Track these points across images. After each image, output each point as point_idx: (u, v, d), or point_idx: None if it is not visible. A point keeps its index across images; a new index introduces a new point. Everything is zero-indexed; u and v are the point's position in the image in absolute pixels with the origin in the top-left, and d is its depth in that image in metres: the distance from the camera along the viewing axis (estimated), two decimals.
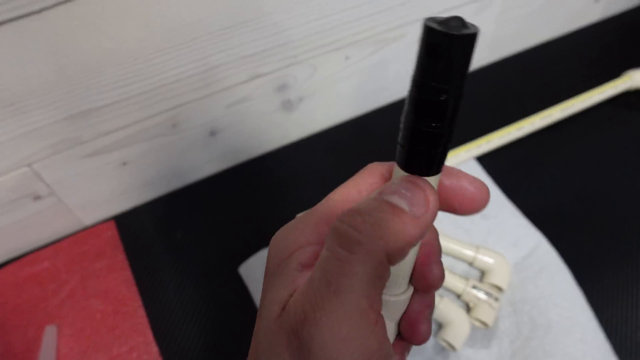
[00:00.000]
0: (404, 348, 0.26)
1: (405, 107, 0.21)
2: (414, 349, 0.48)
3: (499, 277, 0.51)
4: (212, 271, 0.56)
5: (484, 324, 0.48)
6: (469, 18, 0.64)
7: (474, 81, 0.72)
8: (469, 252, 0.52)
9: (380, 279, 0.20)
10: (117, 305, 0.53)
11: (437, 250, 0.25)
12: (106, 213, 0.60)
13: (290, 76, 0.57)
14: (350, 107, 0.67)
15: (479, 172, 0.60)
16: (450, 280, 0.51)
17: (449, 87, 0.19)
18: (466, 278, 0.51)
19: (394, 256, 0.20)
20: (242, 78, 0.54)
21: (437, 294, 0.50)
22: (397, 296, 0.24)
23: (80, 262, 0.56)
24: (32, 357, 0.50)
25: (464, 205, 0.24)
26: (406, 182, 0.21)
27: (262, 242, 0.56)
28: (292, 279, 0.22)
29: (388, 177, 0.24)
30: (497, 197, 0.58)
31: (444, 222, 0.53)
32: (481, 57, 0.72)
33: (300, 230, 0.23)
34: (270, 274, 0.23)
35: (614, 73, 0.69)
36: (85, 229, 0.59)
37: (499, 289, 0.50)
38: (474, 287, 0.50)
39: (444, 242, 0.52)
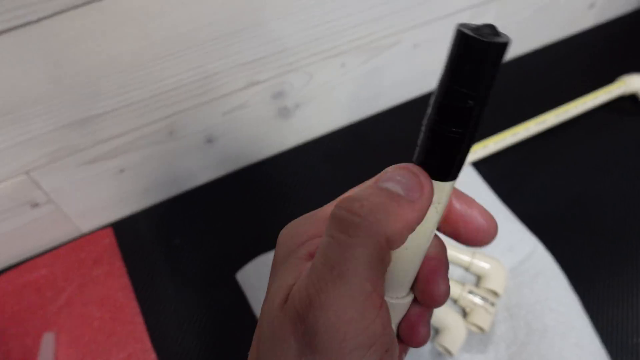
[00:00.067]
0: (401, 351, 0.26)
1: (429, 110, 0.21)
2: (411, 353, 0.49)
3: (495, 282, 0.51)
4: (209, 278, 0.56)
5: (481, 328, 0.48)
6: None
7: None
8: (465, 257, 0.52)
9: (381, 262, 0.20)
10: (115, 312, 0.53)
11: (445, 265, 0.25)
12: (104, 220, 0.61)
13: (287, 83, 0.57)
14: (347, 113, 0.67)
15: (475, 178, 0.60)
16: None
17: (477, 94, 0.19)
18: (462, 283, 0.51)
19: (393, 240, 0.20)
20: (239, 85, 0.54)
21: None
22: (398, 299, 0.24)
23: (78, 269, 0.56)
24: None
25: (469, 233, 0.24)
26: (400, 169, 0.21)
27: (259, 248, 0.56)
28: (298, 267, 0.22)
29: None
30: (492, 202, 0.58)
31: None
32: None
33: (310, 224, 0.24)
34: (278, 264, 0.23)
35: (608, 78, 0.69)
36: (83, 236, 0.59)
37: (495, 294, 0.51)
38: (470, 292, 0.50)
39: None
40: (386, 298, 0.23)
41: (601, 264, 0.54)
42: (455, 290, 0.51)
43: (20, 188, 0.51)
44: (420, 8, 0.58)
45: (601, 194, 0.59)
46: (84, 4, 0.40)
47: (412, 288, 0.25)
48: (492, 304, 0.49)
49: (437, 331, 0.50)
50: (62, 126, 0.47)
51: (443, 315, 0.49)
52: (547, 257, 0.53)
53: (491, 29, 0.18)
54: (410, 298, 0.25)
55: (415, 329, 0.25)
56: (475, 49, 0.18)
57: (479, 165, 0.62)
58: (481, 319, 0.48)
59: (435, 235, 0.25)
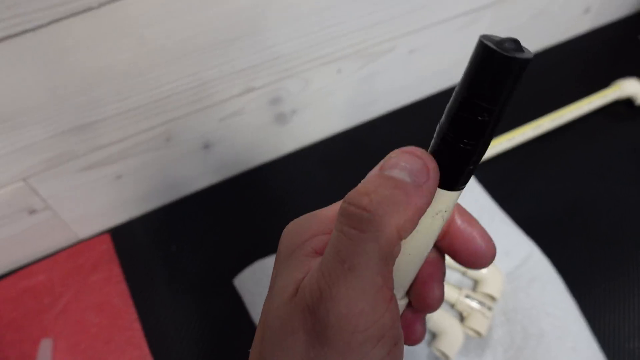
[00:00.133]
0: None
1: (442, 119, 0.21)
2: (409, 357, 0.49)
3: (492, 286, 0.51)
4: (207, 283, 0.56)
5: (478, 333, 0.49)
6: (457, 32, 0.65)
7: None
8: None
9: (391, 254, 0.20)
10: (113, 319, 0.53)
11: (441, 271, 0.25)
12: (101, 226, 0.61)
13: (283, 89, 0.57)
14: (343, 119, 0.67)
15: (471, 182, 0.60)
16: None
17: (494, 109, 0.19)
18: (459, 287, 0.51)
19: (404, 229, 0.20)
20: (235, 92, 0.54)
21: None
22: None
23: (76, 276, 0.56)
24: None
25: (465, 253, 0.24)
26: (404, 154, 0.21)
27: (256, 254, 0.56)
28: (305, 262, 0.22)
29: None
30: (489, 206, 0.59)
31: None
32: None
33: (314, 222, 0.24)
34: (282, 260, 0.23)
35: (603, 83, 0.70)
36: (81, 242, 0.59)
37: (492, 298, 0.51)
38: (467, 296, 0.50)
39: None
40: None
41: (597, 268, 0.54)
42: (452, 294, 0.51)
43: (18, 195, 0.51)
44: (416, 14, 0.58)
45: (597, 198, 0.59)
46: (80, 12, 0.40)
47: (408, 292, 0.25)
48: (489, 309, 0.49)
49: (434, 336, 0.50)
50: (59, 133, 0.47)
51: (440, 319, 0.49)
52: (544, 261, 0.54)
53: (515, 43, 0.18)
54: (404, 302, 0.25)
55: (411, 327, 0.25)
56: (498, 64, 0.18)
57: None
58: (478, 323, 0.49)
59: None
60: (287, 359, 0.20)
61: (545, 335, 0.49)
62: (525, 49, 0.18)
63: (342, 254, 0.19)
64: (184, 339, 0.52)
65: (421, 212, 0.20)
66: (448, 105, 0.20)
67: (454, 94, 0.20)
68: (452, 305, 0.51)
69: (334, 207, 0.24)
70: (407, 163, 0.21)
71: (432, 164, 0.21)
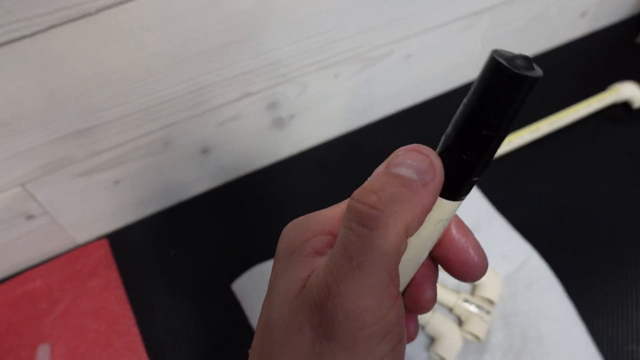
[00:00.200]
0: None
1: (449, 129, 0.21)
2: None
3: (490, 290, 0.51)
4: (205, 288, 0.56)
5: (476, 337, 0.49)
6: (454, 36, 0.65)
7: (462, 97, 0.73)
8: None
9: (398, 252, 0.20)
10: (111, 324, 0.53)
11: (434, 273, 0.26)
12: (99, 231, 0.61)
13: (281, 94, 0.57)
14: (341, 123, 0.67)
15: None
16: (441, 294, 0.51)
17: (501, 123, 0.19)
18: (457, 292, 0.51)
19: (411, 226, 0.20)
20: (233, 97, 0.54)
21: None
22: None
23: (73, 281, 0.56)
24: None
25: (457, 264, 0.24)
26: (410, 152, 0.21)
27: (255, 258, 0.56)
28: (307, 262, 0.22)
29: None
30: (487, 210, 0.59)
31: None
32: (469, 73, 0.73)
33: (315, 222, 0.24)
34: (282, 260, 0.23)
35: (600, 86, 0.70)
36: (78, 248, 0.59)
37: (491, 302, 0.51)
38: (466, 300, 0.50)
39: None
40: None
41: (596, 271, 0.54)
42: (450, 298, 0.51)
43: (16, 200, 0.51)
44: (413, 18, 0.59)
45: (594, 200, 0.60)
46: (78, 18, 0.40)
47: (402, 294, 0.25)
48: (488, 312, 0.49)
49: (432, 340, 0.50)
50: (57, 138, 0.47)
51: (439, 324, 0.49)
52: (542, 265, 0.54)
53: (526, 61, 0.18)
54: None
55: (405, 326, 0.26)
56: (508, 81, 0.18)
57: None
58: (477, 327, 0.49)
59: None
60: (292, 355, 0.20)
61: (544, 338, 0.49)
62: (537, 66, 0.18)
63: (350, 251, 0.19)
64: (182, 344, 0.52)
65: (427, 210, 0.21)
66: (455, 116, 0.21)
67: (461, 105, 0.20)
68: (451, 310, 0.51)
69: (333, 209, 0.24)
70: (413, 161, 0.21)
71: (438, 163, 0.21)
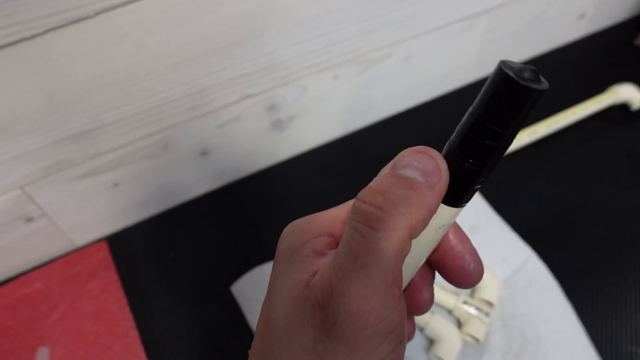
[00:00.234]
0: None
1: (453, 137, 0.21)
2: None
3: (489, 292, 0.51)
4: (204, 290, 0.56)
5: (475, 339, 0.49)
6: (453, 38, 0.65)
7: (461, 99, 0.73)
8: None
9: (402, 254, 0.20)
10: (110, 326, 0.53)
11: (431, 275, 0.26)
12: (98, 234, 0.61)
13: (280, 96, 0.58)
14: (340, 125, 0.67)
15: None
16: (441, 296, 0.51)
17: (505, 133, 0.20)
18: (457, 294, 0.51)
19: (416, 228, 0.20)
20: (232, 99, 0.54)
21: (429, 310, 0.50)
22: None
23: (73, 283, 0.56)
24: None
25: (453, 269, 0.24)
26: (416, 154, 0.21)
27: (254, 260, 0.56)
28: (307, 263, 0.22)
29: None
30: (486, 212, 0.59)
31: None
32: (468, 74, 0.73)
33: (314, 223, 0.24)
34: (282, 261, 0.23)
35: (598, 88, 0.70)
36: (77, 250, 0.59)
37: (490, 304, 0.51)
38: (465, 302, 0.50)
39: None
40: None
41: (594, 272, 0.54)
42: (449, 300, 0.51)
43: (15, 203, 0.51)
44: (412, 21, 0.59)
45: (593, 202, 0.60)
46: (77, 21, 0.40)
47: None
48: (487, 314, 0.49)
49: (432, 342, 0.50)
50: (56, 141, 0.48)
51: (438, 326, 0.49)
52: (541, 266, 0.54)
53: (533, 73, 0.19)
54: None
55: None
56: (516, 93, 0.18)
57: None
58: (476, 329, 0.49)
59: None
60: (293, 354, 0.20)
61: (543, 340, 0.49)
62: (543, 79, 0.19)
63: (355, 250, 0.20)
64: (181, 346, 0.52)
65: (432, 212, 0.21)
66: (460, 125, 0.21)
67: (467, 114, 0.20)
68: (450, 312, 0.51)
69: (333, 211, 0.24)
70: (419, 163, 0.21)
71: (443, 165, 0.21)
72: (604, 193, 0.60)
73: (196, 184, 0.63)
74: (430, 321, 0.49)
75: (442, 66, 0.68)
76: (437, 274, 0.26)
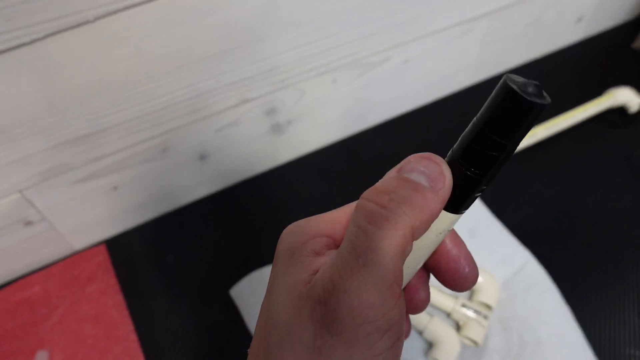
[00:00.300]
0: None
1: (456, 145, 0.22)
2: None
3: (487, 295, 0.51)
4: (203, 294, 0.56)
5: (474, 342, 0.49)
6: (452, 42, 0.66)
7: (461, 101, 0.73)
8: None
9: (404, 254, 0.21)
10: (109, 330, 0.53)
11: (428, 274, 0.26)
12: (97, 237, 0.61)
13: (279, 100, 0.58)
14: (339, 128, 0.68)
15: None
16: (439, 299, 0.51)
17: (507, 145, 0.20)
18: (455, 296, 0.51)
19: (418, 230, 0.21)
20: (231, 103, 0.54)
21: (427, 313, 0.50)
22: None
23: (72, 287, 0.56)
24: None
25: (449, 272, 0.25)
26: (423, 160, 0.22)
27: (253, 264, 0.56)
28: (307, 263, 0.22)
29: None
30: (485, 215, 0.59)
31: None
32: (467, 77, 0.73)
33: (314, 224, 0.24)
34: (282, 261, 0.23)
35: (596, 91, 0.70)
36: (76, 253, 0.59)
37: (488, 307, 0.51)
38: (463, 305, 0.50)
39: None
40: None
41: (593, 275, 0.54)
42: (448, 303, 0.51)
43: (14, 206, 0.51)
44: (411, 24, 0.59)
45: (591, 205, 0.60)
46: (77, 26, 0.40)
47: None
48: (485, 317, 0.50)
49: (430, 345, 0.50)
50: (55, 145, 0.48)
51: (437, 329, 0.49)
52: (539, 269, 0.54)
53: (537, 88, 0.19)
54: None
55: None
56: (520, 107, 0.19)
57: None
58: (474, 332, 0.49)
59: None
60: (293, 350, 0.20)
61: (542, 343, 0.49)
62: (545, 94, 0.20)
63: (357, 248, 0.20)
64: (180, 350, 0.52)
65: (435, 216, 0.21)
66: (463, 134, 0.22)
67: (470, 124, 0.21)
68: (449, 315, 0.51)
69: (332, 213, 0.25)
70: (425, 168, 0.22)
71: (448, 172, 0.22)
72: (602, 195, 0.61)
73: (195, 187, 0.63)
74: (429, 324, 0.49)
75: (442, 69, 0.69)
76: (432, 277, 0.27)
